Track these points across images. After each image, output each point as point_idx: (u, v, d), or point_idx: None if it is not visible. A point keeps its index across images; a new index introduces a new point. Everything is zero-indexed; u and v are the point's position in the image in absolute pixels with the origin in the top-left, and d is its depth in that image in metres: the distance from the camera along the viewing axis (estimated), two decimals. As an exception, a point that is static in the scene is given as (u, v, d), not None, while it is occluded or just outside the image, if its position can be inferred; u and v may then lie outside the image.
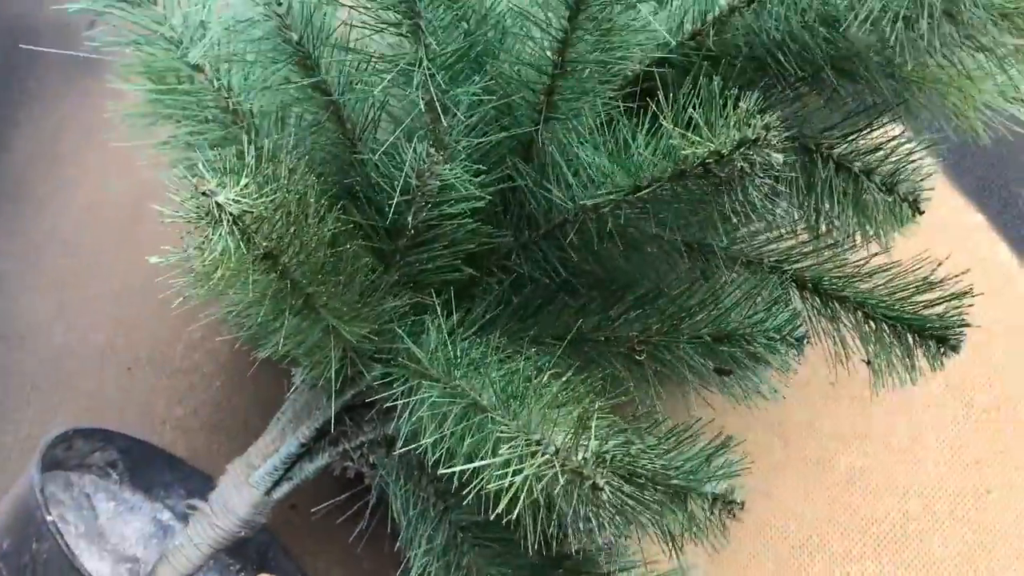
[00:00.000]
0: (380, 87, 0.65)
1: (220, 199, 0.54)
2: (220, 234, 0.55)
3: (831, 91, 0.73)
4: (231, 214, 0.54)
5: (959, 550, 0.97)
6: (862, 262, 0.75)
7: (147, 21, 0.74)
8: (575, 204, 0.70)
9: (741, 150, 0.57)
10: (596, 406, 0.57)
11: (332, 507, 0.90)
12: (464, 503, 0.77)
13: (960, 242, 1.14)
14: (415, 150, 0.67)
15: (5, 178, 1.29)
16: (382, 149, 0.67)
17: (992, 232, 1.15)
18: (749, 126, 0.58)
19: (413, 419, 0.71)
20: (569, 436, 0.55)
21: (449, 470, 0.63)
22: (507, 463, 0.57)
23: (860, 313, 0.76)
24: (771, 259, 0.77)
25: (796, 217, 0.77)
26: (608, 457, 0.54)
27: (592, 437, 0.53)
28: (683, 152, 0.58)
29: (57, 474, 0.89)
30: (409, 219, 0.68)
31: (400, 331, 0.70)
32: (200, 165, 0.56)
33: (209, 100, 0.76)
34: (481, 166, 0.69)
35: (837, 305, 0.76)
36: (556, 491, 0.55)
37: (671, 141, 0.59)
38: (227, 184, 0.55)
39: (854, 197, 0.74)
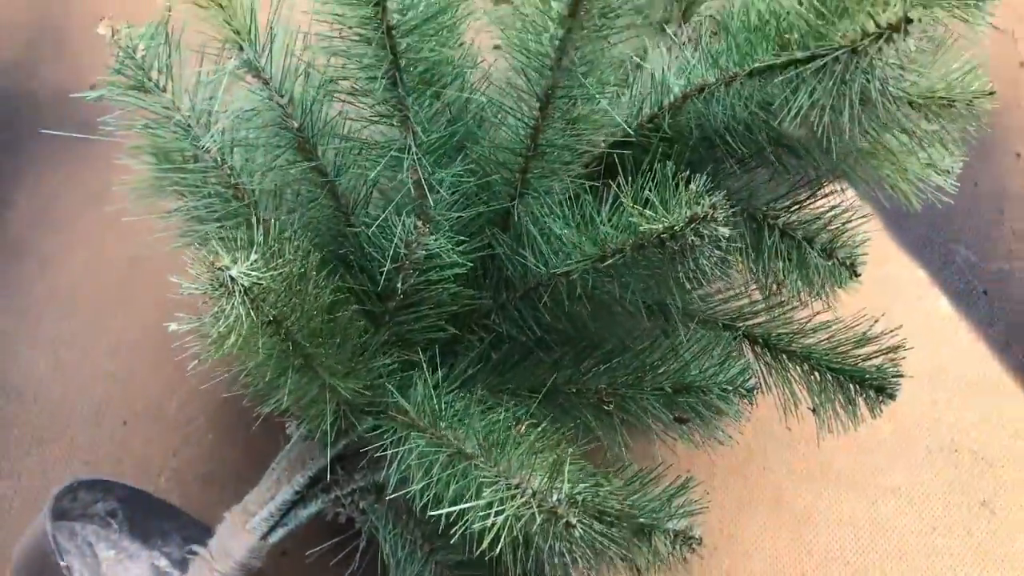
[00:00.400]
0: (374, 171, 0.73)
1: (233, 273, 0.61)
2: (233, 304, 0.62)
3: (775, 166, 0.81)
4: (243, 286, 0.62)
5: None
6: (806, 320, 0.83)
7: (158, 107, 0.81)
8: (547, 270, 0.78)
9: (692, 226, 0.66)
10: (569, 452, 0.64)
11: (323, 551, 0.95)
12: (450, 544, 0.84)
13: (903, 295, 1.23)
14: (404, 224, 0.75)
15: (7, 236, 1.35)
16: (376, 223, 0.75)
17: (934, 287, 1.24)
18: (699, 204, 0.66)
19: (402, 467, 0.78)
20: (544, 480, 0.62)
21: (436, 513, 0.70)
22: (489, 505, 0.64)
23: (806, 365, 0.84)
24: (724, 318, 0.85)
25: (748, 279, 0.85)
26: (580, 498, 0.61)
27: (565, 480, 0.61)
28: (641, 228, 0.66)
29: (62, 524, 0.94)
30: (399, 284, 0.75)
31: (390, 386, 0.77)
32: (214, 242, 0.63)
33: (213, 178, 0.83)
34: (463, 237, 0.77)
35: (785, 358, 0.84)
36: (534, 529, 0.61)
37: (631, 218, 0.67)
38: (239, 259, 0.62)
39: (798, 261, 0.82)
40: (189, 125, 0.81)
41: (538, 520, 0.60)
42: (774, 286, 0.85)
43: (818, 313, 0.83)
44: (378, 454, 0.82)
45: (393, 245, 0.74)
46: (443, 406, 0.76)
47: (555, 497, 0.61)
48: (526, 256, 0.79)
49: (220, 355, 0.65)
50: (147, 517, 1.02)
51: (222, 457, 1.18)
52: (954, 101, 0.74)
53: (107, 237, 1.34)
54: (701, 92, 0.79)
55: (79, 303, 1.29)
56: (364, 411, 0.81)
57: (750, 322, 0.84)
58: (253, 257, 0.62)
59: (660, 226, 0.66)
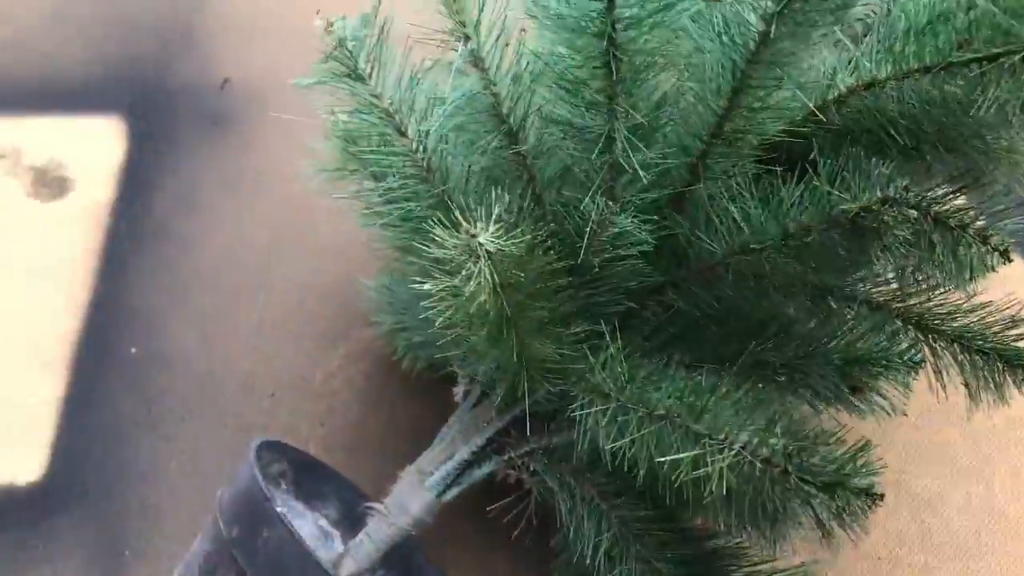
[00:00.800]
0: (574, 154, 0.79)
1: (481, 239, 0.68)
2: (479, 267, 0.69)
3: (934, 157, 0.88)
4: (488, 251, 0.69)
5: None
6: (960, 302, 0.89)
7: (364, 94, 0.89)
8: (724, 249, 0.84)
9: (886, 206, 0.72)
10: (777, 411, 0.70)
11: (494, 511, 1.02)
12: (629, 500, 0.90)
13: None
14: (596, 204, 0.82)
15: (152, 217, 1.43)
16: (581, 206, 0.81)
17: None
18: (891, 186, 0.73)
19: (585, 430, 0.85)
20: (755, 434, 0.68)
21: (632, 472, 0.77)
22: (697, 459, 0.71)
23: (956, 346, 0.90)
24: (879, 298, 0.91)
25: (904, 264, 0.91)
26: (791, 451, 0.67)
27: (779, 435, 0.67)
28: (841, 207, 0.72)
29: (246, 479, 1.01)
30: (593, 259, 0.82)
31: (585, 351, 0.84)
32: (457, 215, 0.70)
33: (410, 161, 0.90)
34: (649, 216, 0.84)
35: (937, 338, 0.90)
36: (749, 479, 0.68)
37: (825, 197, 0.74)
38: (483, 229, 0.69)
39: (952, 246, 0.88)
40: (392, 112, 0.89)
41: (756, 468, 0.67)
42: (926, 272, 0.91)
43: (972, 296, 0.89)
44: (557, 418, 0.89)
45: (588, 224, 0.81)
46: (628, 372, 0.82)
47: (767, 449, 0.67)
48: (702, 237, 0.86)
49: (461, 317, 0.72)
50: (311, 480, 1.10)
51: (366, 429, 1.25)
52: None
53: (244, 221, 1.42)
54: (870, 87, 0.85)
55: (222, 283, 1.37)
56: (546, 377, 0.88)
57: (904, 303, 0.90)
58: (494, 227, 0.69)
59: (856, 206, 0.72)
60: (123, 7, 1.65)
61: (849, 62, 0.86)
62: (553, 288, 0.77)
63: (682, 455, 0.70)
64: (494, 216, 0.70)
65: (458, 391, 1.02)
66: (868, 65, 0.84)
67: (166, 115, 1.53)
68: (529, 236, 0.71)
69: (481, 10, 0.77)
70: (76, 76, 1.59)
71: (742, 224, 0.83)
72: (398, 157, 0.90)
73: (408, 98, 0.88)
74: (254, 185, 1.45)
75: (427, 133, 0.89)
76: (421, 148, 0.89)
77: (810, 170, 0.77)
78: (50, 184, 1.49)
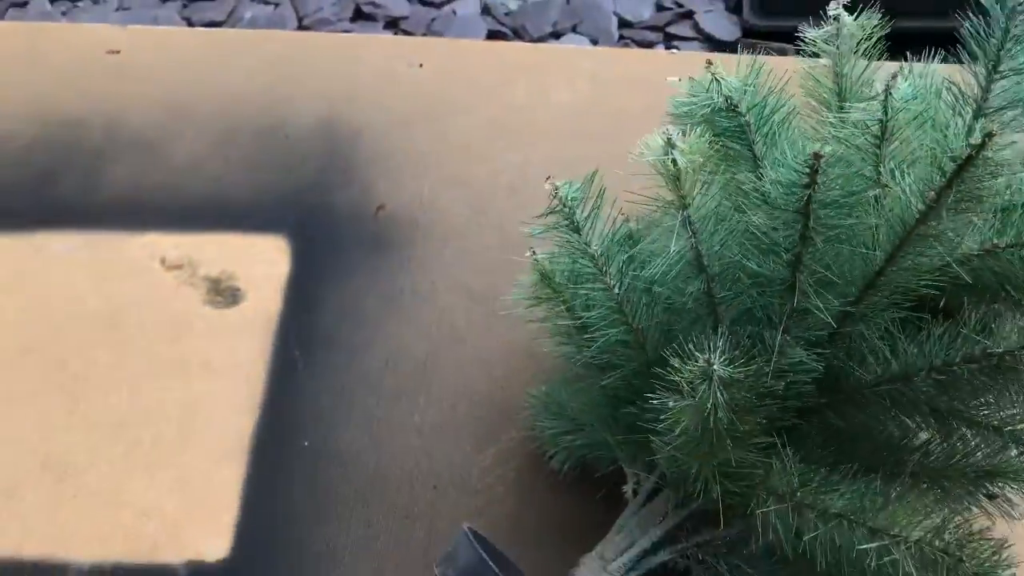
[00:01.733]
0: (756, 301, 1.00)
1: (716, 367, 0.88)
2: (710, 390, 0.88)
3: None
4: (720, 376, 0.88)
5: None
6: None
7: (577, 242, 1.10)
8: (873, 377, 1.04)
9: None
10: (948, 515, 0.89)
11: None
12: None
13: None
14: (777, 338, 1.02)
15: (319, 330, 1.63)
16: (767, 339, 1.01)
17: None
18: (1025, 336, 0.93)
19: (761, 527, 1.03)
20: (929, 530, 0.87)
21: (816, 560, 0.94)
22: (881, 551, 0.88)
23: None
24: (994, 421, 1.10)
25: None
26: (961, 543, 0.85)
27: (950, 533, 0.85)
28: (988, 349, 0.92)
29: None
30: (775, 385, 1.01)
31: (760, 458, 1.02)
32: (691, 346, 0.90)
33: (606, 298, 1.11)
34: (815, 350, 1.04)
35: (1046, 457, 1.08)
36: (926, 566, 0.86)
37: (974, 340, 0.94)
38: (713, 359, 0.89)
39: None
40: (597, 257, 1.10)
41: (935, 557, 0.85)
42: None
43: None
44: (733, 515, 1.07)
45: (771, 359, 1.01)
46: (801, 478, 1.01)
47: (941, 543, 0.85)
48: (854, 367, 1.06)
49: (697, 429, 0.91)
50: (502, 568, 1.26)
51: (521, 521, 1.42)
52: None
53: (405, 334, 1.62)
54: (990, 253, 1.06)
55: (385, 387, 1.56)
56: (727, 479, 1.06)
57: (1018, 426, 1.09)
58: (723, 357, 0.89)
59: (1001, 350, 0.92)
60: (284, 141, 1.90)
61: (972, 228, 1.08)
62: (757, 406, 0.96)
63: (870, 544, 0.88)
64: (719, 348, 0.90)
65: (627, 488, 1.20)
66: (988, 234, 1.05)
67: (327, 236, 1.75)
68: (756, 365, 0.90)
69: (695, 187, 0.98)
70: (243, 198, 1.82)
71: (890, 358, 1.03)
72: (598, 293, 1.11)
73: (611, 249, 1.09)
74: (411, 301, 1.66)
75: (621, 279, 1.10)
76: (618, 286, 1.10)
77: (935, 317, 0.98)
78: (223, 293, 1.70)
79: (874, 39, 1.14)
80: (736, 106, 1.03)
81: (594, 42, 2.33)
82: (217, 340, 1.63)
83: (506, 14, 2.28)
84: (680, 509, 1.11)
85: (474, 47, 2.21)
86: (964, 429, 1.09)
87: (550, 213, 1.10)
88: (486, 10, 2.30)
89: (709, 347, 0.90)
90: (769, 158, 0.97)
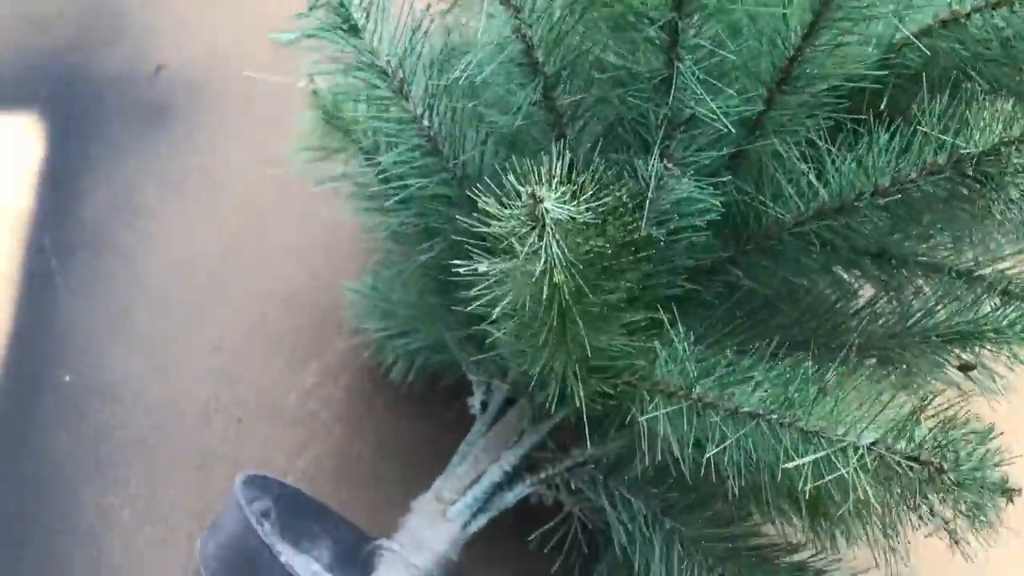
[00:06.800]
0: (630, 105, 0.66)
1: (548, 205, 0.54)
2: (546, 240, 0.55)
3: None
4: (555, 220, 0.55)
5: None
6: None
7: (360, 49, 0.74)
8: (796, 213, 0.72)
9: (1014, 146, 0.61)
10: (911, 401, 0.58)
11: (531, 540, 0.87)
12: (700, 516, 0.77)
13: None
14: (652, 165, 0.69)
15: (84, 229, 1.24)
16: (638, 168, 0.68)
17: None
18: (1014, 125, 0.61)
19: (643, 437, 0.72)
20: (893, 428, 0.56)
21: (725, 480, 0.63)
22: (819, 464, 0.58)
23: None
24: (960, 265, 0.80)
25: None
26: (943, 444, 0.55)
27: (923, 428, 0.55)
28: (963, 150, 0.61)
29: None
30: (657, 233, 0.69)
31: (638, 344, 0.70)
32: (516, 172, 0.56)
33: (412, 129, 0.76)
34: (713, 178, 0.71)
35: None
36: (886, 480, 0.55)
37: (939, 142, 0.62)
38: (549, 193, 0.55)
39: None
40: (391, 71, 0.74)
41: (898, 468, 0.54)
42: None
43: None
44: (610, 425, 0.76)
45: (648, 188, 0.68)
46: (700, 366, 0.69)
47: (910, 445, 0.55)
48: (767, 203, 0.74)
49: (532, 302, 0.58)
50: (299, 517, 0.93)
51: (354, 454, 1.09)
52: None
53: (194, 229, 1.24)
54: (948, 24, 0.74)
55: (171, 299, 1.19)
56: (597, 376, 0.74)
57: (990, 269, 0.79)
58: (562, 190, 0.55)
59: (978, 149, 0.61)
60: (34, -5, 1.45)
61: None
62: (627, 264, 0.63)
63: (802, 459, 0.57)
64: (556, 175, 0.56)
65: (474, 402, 0.88)
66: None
67: (92, 110, 1.34)
68: (607, 197, 0.57)
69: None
70: (-19, 70, 1.39)
71: (817, 184, 0.71)
72: (400, 125, 0.76)
73: (411, 55, 0.74)
74: (201, 186, 1.28)
75: (433, 96, 0.75)
76: (428, 113, 0.75)
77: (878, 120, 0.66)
78: (-45, 191, 1.29)
79: None
80: None
81: None
82: (-53, 252, 1.23)
83: None
84: (539, 425, 0.79)
85: None
86: (921, 278, 0.79)
87: (314, 9, 0.73)
88: None
89: (536, 173, 0.56)
90: None
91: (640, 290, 0.70)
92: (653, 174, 0.68)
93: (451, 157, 0.76)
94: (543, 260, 0.54)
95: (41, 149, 1.31)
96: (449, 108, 0.75)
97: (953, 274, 0.78)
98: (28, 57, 1.39)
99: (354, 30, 0.73)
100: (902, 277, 0.79)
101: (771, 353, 0.72)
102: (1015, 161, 0.61)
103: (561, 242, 0.54)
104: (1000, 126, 0.61)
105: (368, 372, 1.12)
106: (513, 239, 0.54)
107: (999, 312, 0.71)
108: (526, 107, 0.69)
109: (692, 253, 0.73)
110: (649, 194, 0.68)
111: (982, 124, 0.62)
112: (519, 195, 0.54)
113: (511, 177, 0.56)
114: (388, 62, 0.74)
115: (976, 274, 0.79)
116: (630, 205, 0.61)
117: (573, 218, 0.55)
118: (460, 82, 0.69)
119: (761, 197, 0.74)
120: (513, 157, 0.76)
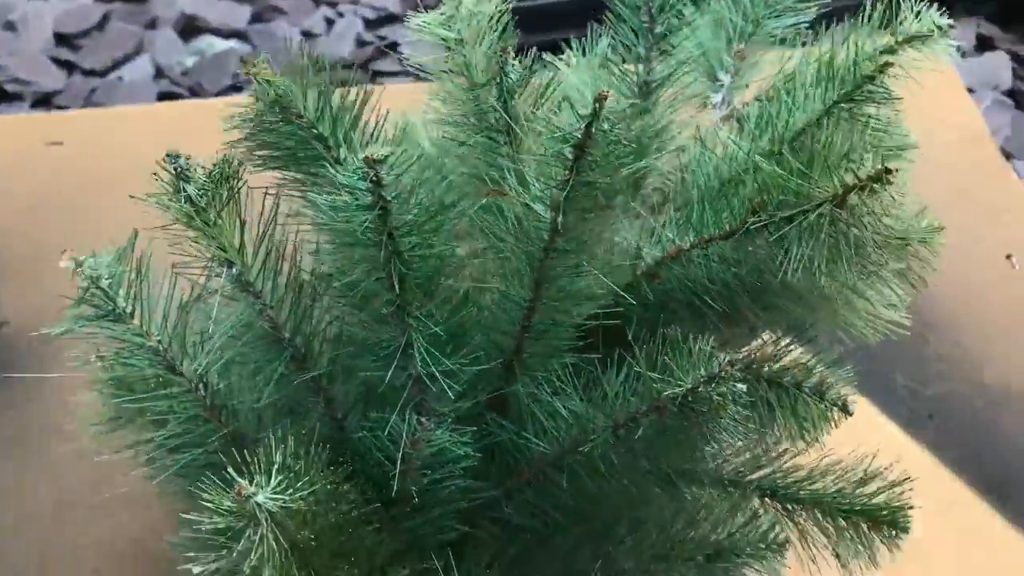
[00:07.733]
0: (371, 372, 0.70)
1: (260, 499, 0.57)
2: (261, 533, 0.57)
3: (754, 319, 0.84)
4: (269, 511, 0.57)
5: None
6: (812, 465, 0.83)
7: (128, 335, 0.77)
8: (556, 449, 0.76)
9: (712, 385, 0.66)
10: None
11: None
12: None
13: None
14: (408, 421, 0.72)
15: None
16: (375, 425, 0.72)
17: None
18: (713, 363, 0.67)
19: None
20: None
21: None
22: None
23: (817, 512, 0.83)
24: (730, 474, 0.85)
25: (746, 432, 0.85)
26: None
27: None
28: (664, 392, 0.66)
29: None
30: (411, 486, 0.71)
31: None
32: (230, 470, 0.59)
33: (189, 403, 0.78)
34: (467, 427, 0.75)
35: (797, 508, 0.83)
36: None
37: (649, 383, 0.67)
38: (261, 484, 0.58)
39: (791, 407, 0.83)
40: (162, 351, 0.78)
41: None
42: (770, 437, 0.86)
43: (824, 456, 0.84)
44: None
45: (401, 445, 0.71)
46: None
47: None
48: (529, 439, 0.77)
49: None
50: None
51: None
52: (909, 240, 0.79)
53: (26, 484, 1.23)
54: (675, 258, 0.81)
55: (5, 558, 1.16)
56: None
57: (756, 475, 0.83)
58: (277, 479, 0.58)
59: (681, 389, 0.66)
60: None
61: (651, 234, 0.83)
62: (362, 539, 0.65)
63: None
64: (276, 465, 0.59)
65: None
66: (670, 236, 0.81)
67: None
68: (321, 483, 0.59)
69: (242, 232, 0.68)
70: None
71: (571, 420, 0.76)
72: (176, 400, 0.78)
73: (179, 334, 0.77)
74: (39, 443, 1.27)
75: (205, 370, 0.78)
76: (200, 386, 0.78)
77: (629, 355, 0.71)
78: None
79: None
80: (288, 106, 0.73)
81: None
82: None
83: (183, 73, 1.96)
84: None
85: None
86: (690, 491, 0.82)
87: (81, 302, 0.77)
88: (160, 72, 1.97)
89: (254, 463, 0.58)
90: (327, 174, 0.68)
91: (404, 545, 0.72)
92: (405, 431, 0.71)
93: (227, 424, 0.79)
94: (258, 555, 0.56)
95: None
96: (219, 381, 0.78)
97: (725, 483, 0.82)
98: None
99: (120, 317, 0.76)
100: (679, 493, 0.83)
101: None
102: (715, 397, 0.66)
103: (277, 535, 0.56)
104: (702, 368, 0.67)
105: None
106: (224, 538, 0.56)
107: (752, 524, 0.74)
108: (278, 380, 0.72)
109: (461, 498, 0.76)
110: (401, 452, 0.71)
111: (684, 366, 0.67)
112: (231, 490, 0.57)
113: (230, 469, 0.58)
114: (158, 343, 0.77)
115: (747, 480, 0.84)
116: (348, 485, 0.64)
117: (288, 507, 0.57)
118: (207, 367, 0.72)
119: (525, 434, 0.78)
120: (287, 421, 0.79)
